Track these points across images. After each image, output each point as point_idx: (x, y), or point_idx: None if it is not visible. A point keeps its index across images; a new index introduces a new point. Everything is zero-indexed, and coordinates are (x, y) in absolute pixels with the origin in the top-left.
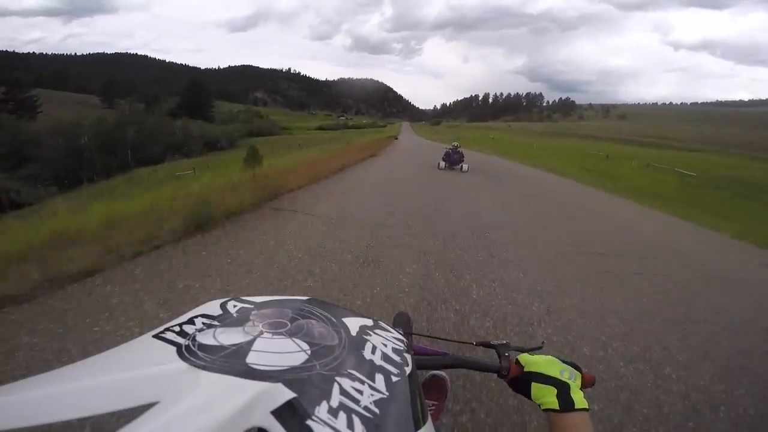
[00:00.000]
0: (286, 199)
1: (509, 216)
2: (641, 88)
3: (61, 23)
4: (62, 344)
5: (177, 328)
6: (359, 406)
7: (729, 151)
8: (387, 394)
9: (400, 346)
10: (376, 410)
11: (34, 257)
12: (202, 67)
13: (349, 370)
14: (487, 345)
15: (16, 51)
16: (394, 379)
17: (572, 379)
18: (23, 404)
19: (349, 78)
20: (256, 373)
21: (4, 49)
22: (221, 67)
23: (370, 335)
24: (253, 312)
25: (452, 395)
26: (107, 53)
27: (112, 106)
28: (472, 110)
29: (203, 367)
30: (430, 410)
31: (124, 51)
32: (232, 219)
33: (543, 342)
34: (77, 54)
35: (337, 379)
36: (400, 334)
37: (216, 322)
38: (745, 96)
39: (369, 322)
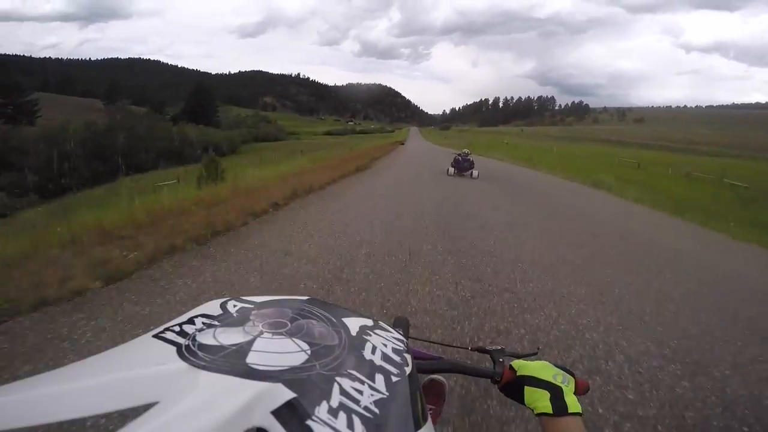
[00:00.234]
0: (220, 244)
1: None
2: (653, 91)
3: (77, 28)
4: None
5: (177, 328)
6: (359, 406)
7: (766, 156)
8: (387, 394)
9: (400, 346)
10: (376, 410)
11: None
12: (213, 73)
13: (349, 370)
14: (482, 350)
15: (33, 56)
16: (394, 379)
17: (565, 383)
18: (23, 404)
19: (357, 83)
20: (256, 373)
21: (21, 54)
22: (232, 73)
23: (370, 335)
24: (253, 312)
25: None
26: (121, 58)
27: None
28: (482, 115)
29: (203, 367)
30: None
31: (137, 56)
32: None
33: (538, 348)
34: (92, 59)
35: (337, 379)
36: (400, 334)
37: (216, 322)
38: (762, 98)
39: (369, 322)
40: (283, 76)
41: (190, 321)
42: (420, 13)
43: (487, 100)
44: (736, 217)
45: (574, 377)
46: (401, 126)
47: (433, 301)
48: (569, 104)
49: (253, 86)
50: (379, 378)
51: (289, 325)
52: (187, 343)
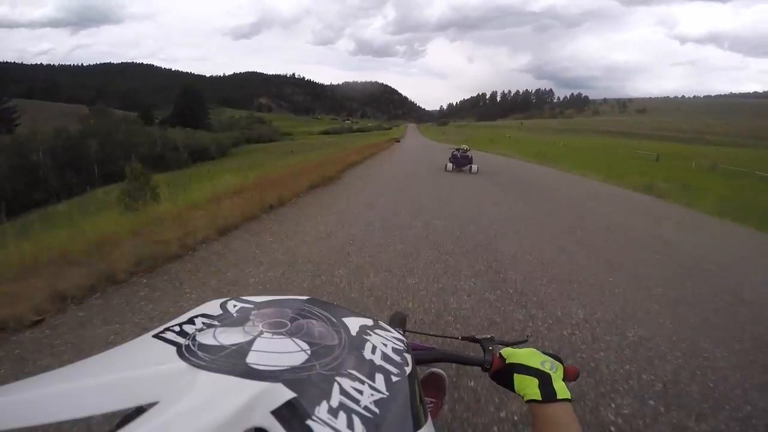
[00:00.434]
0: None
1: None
2: (649, 83)
3: (69, 34)
4: None
5: (177, 328)
6: (359, 406)
7: None
8: (387, 394)
9: (400, 345)
10: (376, 410)
11: None
12: (208, 75)
13: (349, 370)
14: (472, 339)
15: (25, 63)
16: (394, 379)
17: (553, 369)
18: (23, 404)
19: (353, 81)
20: (256, 373)
21: (13, 61)
22: (226, 74)
23: (370, 335)
24: (253, 312)
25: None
26: (114, 63)
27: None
28: (480, 109)
29: (203, 367)
30: (429, 408)
31: (130, 61)
32: None
33: (527, 336)
34: (84, 64)
35: (337, 379)
36: (400, 333)
37: (216, 322)
38: (759, 88)
39: (369, 321)
40: (278, 76)
41: (190, 321)
42: (414, 9)
43: (484, 94)
44: None
45: (562, 364)
46: (399, 123)
47: None
48: (567, 97)
49: (248, 88)
50: (379, 378)
51: (289, 325)
52: (187, 343)
